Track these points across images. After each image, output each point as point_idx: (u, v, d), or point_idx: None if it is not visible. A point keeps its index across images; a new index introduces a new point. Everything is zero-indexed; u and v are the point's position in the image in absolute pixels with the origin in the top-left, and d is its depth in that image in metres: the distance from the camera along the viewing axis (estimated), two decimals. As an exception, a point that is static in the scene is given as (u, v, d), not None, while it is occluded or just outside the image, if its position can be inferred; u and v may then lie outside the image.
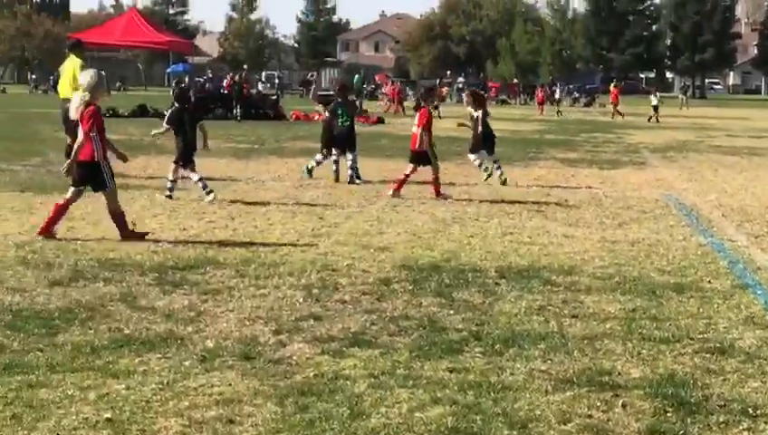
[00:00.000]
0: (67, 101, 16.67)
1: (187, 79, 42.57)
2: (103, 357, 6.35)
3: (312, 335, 6.99)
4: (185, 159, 14.06)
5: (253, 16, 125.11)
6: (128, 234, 10.60)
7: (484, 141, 17.80)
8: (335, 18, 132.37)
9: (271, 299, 8.07)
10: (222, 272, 9.08)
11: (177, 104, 15.31)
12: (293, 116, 40.40)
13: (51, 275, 8.70)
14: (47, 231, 10.49)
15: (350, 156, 17.08)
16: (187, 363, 6.27)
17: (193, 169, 14.10)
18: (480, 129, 17.68)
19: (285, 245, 10.55)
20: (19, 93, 77.14)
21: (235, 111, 37.80)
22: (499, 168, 17.50)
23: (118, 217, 10.65)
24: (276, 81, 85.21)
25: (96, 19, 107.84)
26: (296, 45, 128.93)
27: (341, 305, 7.93)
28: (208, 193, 13.75)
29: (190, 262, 9.46)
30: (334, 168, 17.13)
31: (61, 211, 10.69)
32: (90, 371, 6.07)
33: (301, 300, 8.06)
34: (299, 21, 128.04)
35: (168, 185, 14.15)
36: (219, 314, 7.57)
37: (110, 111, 36.73)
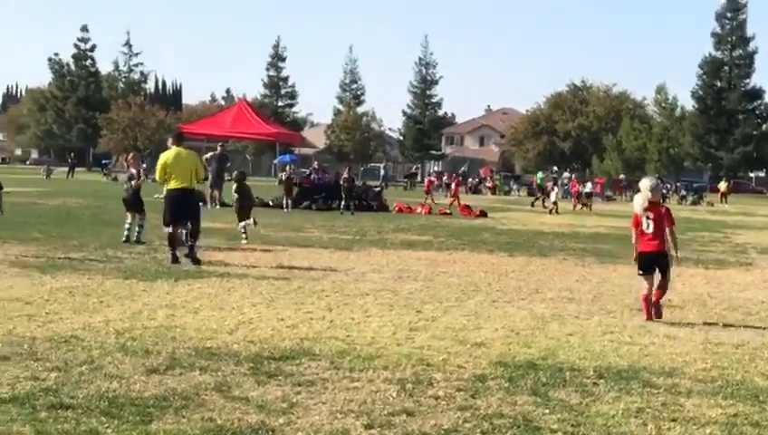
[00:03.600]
0: (185, 190, 17.07)
1: (289, 168, 42.91)
2: (194, 446, 6.36)
3: (404, 431, 6.92)
4: None
5: (360, 109, 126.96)
6: None
7: None
8: (440, 112, 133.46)
9: (364, 392, 8.02)
10: (317, 363, 9.08)
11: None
12: (396, 208, 40.63)
13: (148, 363, 8.80)
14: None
15: None
16: (276, 456, 6.25)
17: None
18: None
19: (381, 338, 10.52)
20: (131, 181, 79.04)
21: (346, 203, 37.94)
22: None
23: None
24: (382, 172, 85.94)
25: (207, 110, 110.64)
26: (401, 138, 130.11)
27: (435, 401, 7.84)
28: None
29: (286, 352, 9.49)
30: None
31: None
32: (180, 460, 6.09)
33: (394, 394, 8.00)
34: (404, 114, 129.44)
35: None
36: (312, 405, 7.55)
37: (217, 201, 37.38)
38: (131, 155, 24.12)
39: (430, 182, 50.52)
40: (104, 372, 8.40)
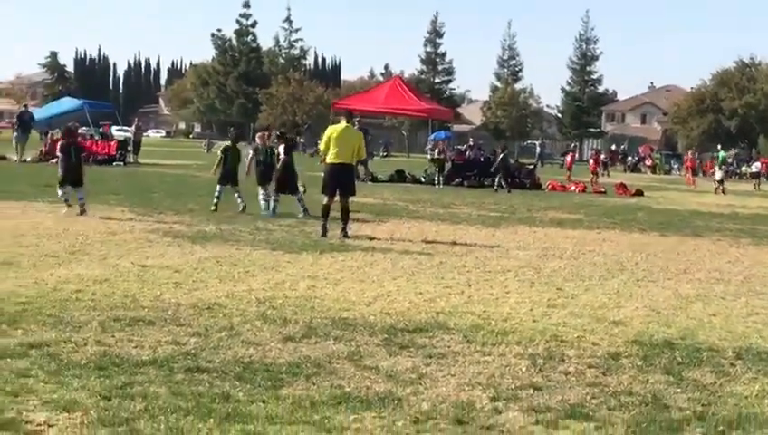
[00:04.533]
0: (344, 165, 17.38)
1: (442, 144, 42.95)
2: (320, 412, 6.50)
3: (530, 405, 6.92)
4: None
5: (517, 86, 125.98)
6: None
7: None
8: (600, 89, 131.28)
9: (494, 366, 8.05)
10: (450, 337, 9.14)
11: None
12: (550, 186, 40.27)
13: (285, 331, 9.01)
14: None
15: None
16: (399, 424, 6.34)
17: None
18: None
19: (517, 314, 10.51)
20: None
21: (498, 180, 37.76)
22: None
23: None
24: (537, 150, 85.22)
25: (365, 85, 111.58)
26: (559, 115, 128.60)
27: (564, 377, 7.82)
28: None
29: (420, 325, 9.58)
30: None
31: None
32: (305, 424, 6.23)
33: (524, 369, 8.00)
34: (563, 91, 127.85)
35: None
36: (440, 377, 7.62)
37: (369, 176, 37.78)
38: (266, 133, 24.64)
39: (597, 161, 49.58)
40: (242, 338, 8.64)
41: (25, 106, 51.68)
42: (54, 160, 42.01)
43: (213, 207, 21.09)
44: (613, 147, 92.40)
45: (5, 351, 7.64)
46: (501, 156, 38.63)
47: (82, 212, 19.02)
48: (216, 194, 21.43)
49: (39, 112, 52.50)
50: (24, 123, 44.50)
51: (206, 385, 7.02)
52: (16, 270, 11.78)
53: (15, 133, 44.65)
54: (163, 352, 7.96)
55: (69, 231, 16.05)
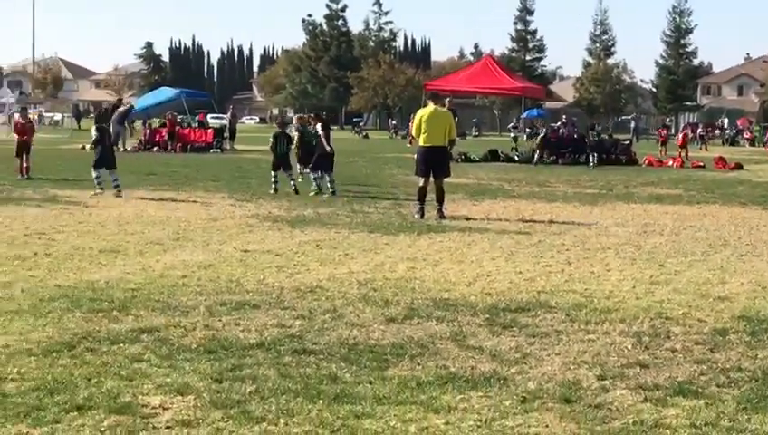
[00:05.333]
0: (438, 148, 17.41)
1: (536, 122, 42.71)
2: (427, 392, 6.55)
3: (637, 383, 6.89)
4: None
5: (610, 61, 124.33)
6: None
7: None
8: (696, 62, 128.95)
9: (599, 344, 8.02)
10: (553, 316, 9.12)
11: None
12: (646, 161, 39.75)
13: (388, 312, 9.08)
14: None
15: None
16: (507, 403, 6.37)
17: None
18: None
19: (620, 291, 10.44)
20: (380, 138, 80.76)
21: (590, 157, 37.42)
22: None
23: None
24: (632, 125, 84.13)
25: (455, 66, 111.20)
26: (654, 90, 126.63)
27: (671, 354, 7.75)
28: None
29: (522, 304, 9.57)
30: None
31: None
32: (413, 404, 6.29)
33: (629, 347, 7.95)
34: (657, 65, 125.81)
35: None
36: (545, 356, 7.62)
37: (463, 156, 37.73)
38: (305, 116, 25.82)
39: (685, 135, 48.84)
40: (345, 320, 8.74)
41: (119, 100, 52.62)
42: (155, 149, 42.98)
43: (272, 191, 21.73)
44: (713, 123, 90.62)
45: (118, 336, 7.85)
46: (591, 132, 38.47)
47: (118, 195, 19.79)
48: (273, 180, 22.00)
49: (137, 103, 53.43)
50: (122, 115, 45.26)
51: (313, 367, 7.12)
52: (124, 257, 12.06)
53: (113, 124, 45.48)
54: (269, 334, 8.09)
55: (172, 218, 16.36)
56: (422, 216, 17.14)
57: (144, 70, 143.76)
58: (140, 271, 11.03)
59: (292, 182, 21.85)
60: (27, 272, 10.80)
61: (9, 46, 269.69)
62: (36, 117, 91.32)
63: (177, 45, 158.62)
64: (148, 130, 46.48)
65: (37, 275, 10.65)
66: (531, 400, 6.44)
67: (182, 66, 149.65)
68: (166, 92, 56.36)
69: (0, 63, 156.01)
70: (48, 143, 43.99)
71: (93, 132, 21.73)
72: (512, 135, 60.73)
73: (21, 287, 9.83)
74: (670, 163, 39.76)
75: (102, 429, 5.70)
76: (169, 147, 42.95)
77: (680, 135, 47.57)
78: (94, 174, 20.74)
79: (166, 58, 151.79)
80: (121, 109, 41.25)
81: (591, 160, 36.56)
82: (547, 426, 5.95)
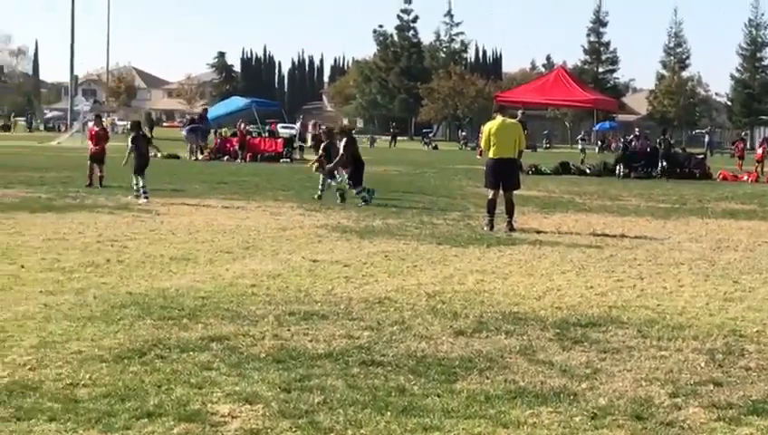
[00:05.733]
0: (506, 160, 17.35)
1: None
2: (496, 406, 6.50)
3: (710, 401, 6.76)
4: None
5: (684, 73, 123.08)
6: None
7: None
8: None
9: (671, 362, 7.89)
10: (624, 331, 9.00)
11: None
12: (721, 176, 39.22)
13: (456, 325, 9.03)
14: None
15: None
16: (577, 419, 6.29)
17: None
18: None
19: (693, 307, 10.28)
20: (449, 149, 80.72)
21: (659, 164, 37.09)
22: None
23: None
24: (706, 139, 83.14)
25: (527, 77, 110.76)
26: (729, 103, 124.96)
27: (745, 372, 7.61)
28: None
29: (593, 319, 9.46)
30: None
31: None
32: (481, 418, 6.24)
33: (702, 364, 7.82)
34: (733, 78, 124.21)
35: None
36: (616, 372, 7.51)
37: (533, 168, 37.54)
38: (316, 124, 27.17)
39: (764, 150, 47.88)
40: (414, 332, 8.70)
41: (205, 109, 53.42)
42: (225, 158, 43.35)
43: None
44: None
45: (188, 344, 7.90)
46: (662, 136, 38.48)
47: (145, 199, 20.63)
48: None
49: (209, 112, 54.04)
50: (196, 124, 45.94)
51: (381, 379, 7.10)
52: (194, 265, 12.16)
53: (185, 133, 46.15)
54: (338, 345, 8.09)
55: (242, 227, 16.47)
56: (491, 228, 17.07)
57: (216, 79, 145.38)
58: (210, 279, 11.10)
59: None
60: (100, 279, 10.93)
61: (84, 55, 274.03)
62: (109, 125, 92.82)
63: (249, 55, 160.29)
64: (218, 140, 46.90)
65: (109, 281, 10.77)
66: (601, 416, 6.35)
67: (253, 76, 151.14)
68: (237, 102, 56.89)
69: (75, 72, 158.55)
70: (121, 151, 44.51)
71: (129, 142, 22.72)
72: (579, 147, 60.29)
73: (93, 294, 9.94)
74: (745, 178, 39.17)
75: (172, 436, 5.73)
76: (239, 156, 43.28)
77: (759, 150, 46.80)
78: (139, 182, 21.33)
79: (237, 68, 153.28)
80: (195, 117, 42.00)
81: (659, 167, 36.30)
82: (618, 444, 5.86)
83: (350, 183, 22.53)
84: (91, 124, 32.27)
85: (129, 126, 28.99)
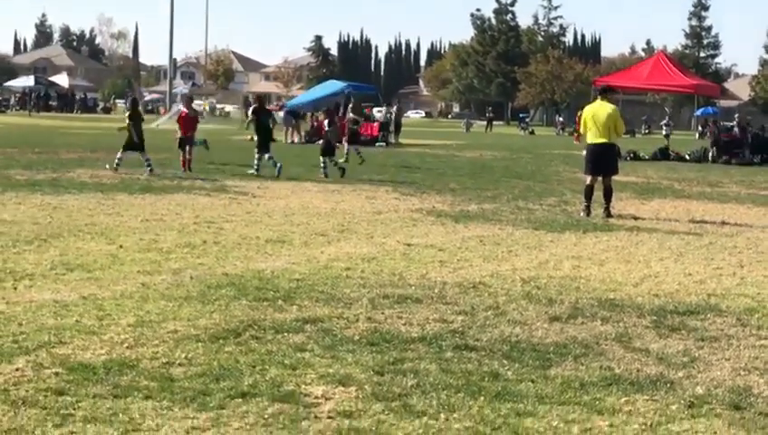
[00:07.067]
0: (600, 145, 17.13)
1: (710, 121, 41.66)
2: (591, 393, 6.42)
3: (812, 392, 6.61)
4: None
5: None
6: None
7: None
8: None
9: (771, 351, 7.73)
10: (723, 319, 8.83)
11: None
12: (825, 163, 38.27)
13: (551, 311, 8.95)
14: None
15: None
16: (673, 407, 6.19)
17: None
18: None
19: (795, 296, 10.05)
20: (546, 135, 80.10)
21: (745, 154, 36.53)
22: None
23: None
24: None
25: (626, 62, 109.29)
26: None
27: None
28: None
29: (691, 307, 9.30)
30: None
31: None
32: (576, 405, 6.17)
33: (803, 355, 7.64)
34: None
35: None
36: (714, 361, 7.38)
37: (631, 154, 37.05)
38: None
39: None
40: (508, 317, 8.65)
41: (258, 98, 53.82)
42: (319, 142, 43.57)
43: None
44: None
45: (283, 325, 7.96)
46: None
47: (151, 174, 22.16)
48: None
49: (305, 95, 54.35)
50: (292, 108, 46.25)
51: (474, 363, 7.07)
52: (289, 248, 12.25)
53: (281, 116, 46.44)
54: (431, 329, 8.08)
55: (337, 210, 16.55)
56: (588, 214, 16.89)
57: (313, 63, 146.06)
58: (305, 262, 11.17)
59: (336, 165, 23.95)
60: (196, 260, 11.07)
61: (183, 39, 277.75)
62: (207, 107, 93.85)
63: (346, 39, 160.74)
64: (314, 123, 47.14)
65: (206, 262, 10.90)
66: (698, 405, 6.24)
67: (350, 60, 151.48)
68: (333, 86, 57.05)
69: (174, 55, 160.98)
70: (219, 134, 45.11)
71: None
72: (663, 133, 59.36)
73: (190, 274, 10.07)
74: None
75: (266, 416, 5.77)
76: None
77: None
78: (119, 155, 22.98)
79: (334, 51, 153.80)
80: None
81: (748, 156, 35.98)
82: (715, 433, 5.76)
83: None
84: (181, 106, 30.17)
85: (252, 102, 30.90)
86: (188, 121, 24.80)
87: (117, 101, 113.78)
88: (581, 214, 16.96)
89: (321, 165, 23.67)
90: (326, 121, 25.96)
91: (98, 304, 8.50)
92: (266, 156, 23.42)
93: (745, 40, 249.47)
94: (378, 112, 48.24)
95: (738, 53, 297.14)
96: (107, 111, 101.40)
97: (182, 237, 12.73)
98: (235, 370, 6.65)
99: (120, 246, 11.75)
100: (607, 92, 18.15)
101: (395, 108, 50.25)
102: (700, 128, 74.02)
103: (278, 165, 22.86)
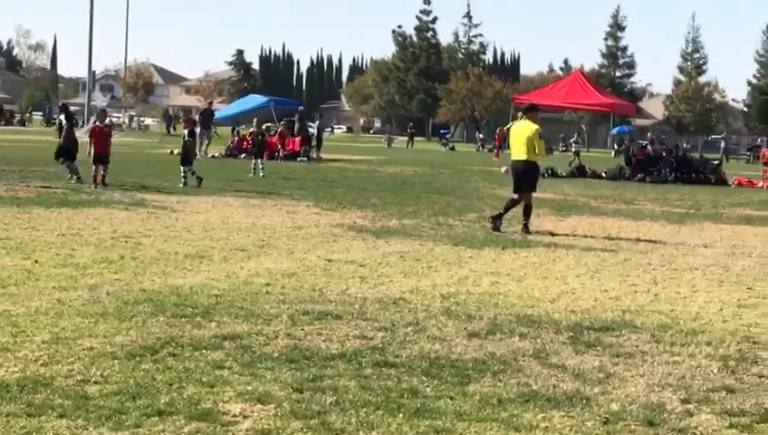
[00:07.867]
0: (518, 162, 17.39)
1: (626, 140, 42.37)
2: (508, 410, 6.48)
3: (722, 407, 6.74)
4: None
5: (701, 79, 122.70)
6: None
7: None
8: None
9: (684, 367, 7.86)
10: (638, 336, 8.97)
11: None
12: (736, 182, 39.11)
13: (470, 327, 9.01)
14: None
15: None
16: (589, 424, 6.27)
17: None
18: None
19: (707, 313, 10.24)
20: (467, 151, 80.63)
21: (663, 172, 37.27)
22: None
23: None
24: (721, 145, 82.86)
25: (544, 81, 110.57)
26: (746, 109, 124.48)
27: (758, 379, 7.57)
28: None
29: (606, 323, 9.44)
30: None
31: None
32: (494, 422, 6.22)
33: (715, 370, 7.79)
34: (750, 84, 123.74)
35: None
36: (629, 377, 7.49)
37: (549, 171, 37.46)
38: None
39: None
40: (428, 334, 8.69)
41: (210, 103, 53.29)
42: (242, 156, 43.34)
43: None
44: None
45: (201, 342, 7.90)
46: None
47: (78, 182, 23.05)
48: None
49: (227, 110, 54.05)
50: (207, 120, 45.65)
51: (394, 380, 7.09)
52: (208, 263, 12.17)
53: (198, 129, 45.94)
54: (351, 346, 8.08)
55: (257, 225, 16.47)
56: (496, 228, 17.03)
57: (234, 77, 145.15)
58: (225, 277, 11.11)
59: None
60: (113, 275, 10.94)
61: (102, 51, 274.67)
62: (126, 120, 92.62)
63: (268, 53, 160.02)
64: (236, 138, 46.90)
65: (123, 278, 10.78)
66: (614, 421, 6.33)
67: (272, 74, 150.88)
68: (255, 100, 56.91)
69: (93, 67, 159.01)
70: (137, 147, 44.64)
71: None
72: (573, 150, 60.35)
73: (107, 290, 9.95)
74: (760, 184, 39.03)
75: None
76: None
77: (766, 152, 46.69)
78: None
79: (256, 66, 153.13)
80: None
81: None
82: (630, 449, 5.84)
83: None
84: (92, 120, 29.07)
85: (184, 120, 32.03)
86: (102, 136, 23.77)
87: (34, 113, 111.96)
88: (488, 224, 17.26)
89: (182, 175, 24.47)
90: (186, 132, 26.33)
91: (12, 321, 8.36)
92: (189, 168, 24.59)
93: (660, 60, 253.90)
94: (310, 128, 48.24)
95: (653, 73, 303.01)
96: (22, 123, 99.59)
97: (99, 252, 12.57)
98: (151, 388, 6.58)
99: (36, 261, 11.57)
100: (530, 111, 18.32)
101: (317, 123, 50.23)
102: (616, 146, 75.21)
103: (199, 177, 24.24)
